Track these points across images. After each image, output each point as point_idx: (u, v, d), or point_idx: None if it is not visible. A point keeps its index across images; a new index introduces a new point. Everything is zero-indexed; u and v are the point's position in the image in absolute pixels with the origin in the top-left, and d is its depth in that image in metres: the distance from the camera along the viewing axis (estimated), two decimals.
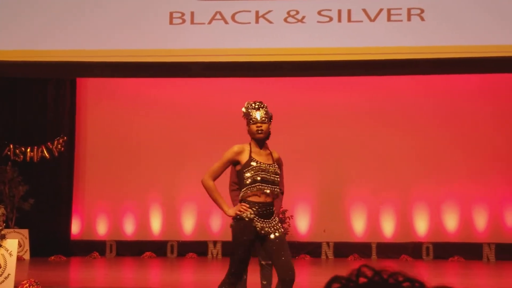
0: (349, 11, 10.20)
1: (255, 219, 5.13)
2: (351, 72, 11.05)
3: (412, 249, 12.69)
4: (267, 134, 5.37)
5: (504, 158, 12.65)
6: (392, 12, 10.13)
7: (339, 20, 10.25)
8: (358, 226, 12.98)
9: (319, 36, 10.20)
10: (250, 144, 5.35)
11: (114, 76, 12.12)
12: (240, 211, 5.14)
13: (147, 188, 13.19)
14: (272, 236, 5.18)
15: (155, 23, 10.41)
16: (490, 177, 12.53)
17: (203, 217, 13.06)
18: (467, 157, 12.50)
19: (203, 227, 13.09)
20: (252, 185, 5.17)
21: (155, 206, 13.25)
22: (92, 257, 12.78)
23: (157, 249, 13.03)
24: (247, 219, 5.13)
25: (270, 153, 5.40)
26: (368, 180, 12.81)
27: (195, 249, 12.96)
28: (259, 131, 5.30)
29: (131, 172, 13.21)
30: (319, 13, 10.26)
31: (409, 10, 10.11)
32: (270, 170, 5.24)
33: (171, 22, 10.45)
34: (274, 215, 5.28)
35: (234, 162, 5.30)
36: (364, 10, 10.19)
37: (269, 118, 5.38)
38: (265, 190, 5.16)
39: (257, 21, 10.34)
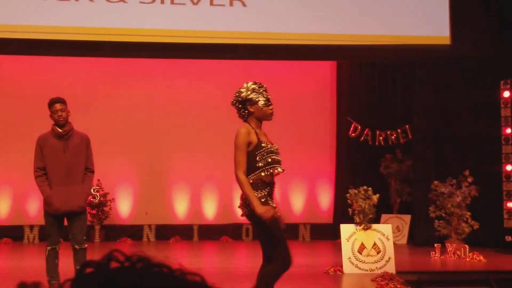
0: None
1: (270, 203, 5.07)
2: (171, 54, 10.90)
3: (232, 230, 12.76)
4: None
5: (310, 144, 12.98)
6: None
7: (162, 2, 10.05)
8: (180, 208, 12.87)
9: (141, 17, 9.95)
10: (250, 126, 5.25)
11: None
12: (269, 217, 4.97)
13: None
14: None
15: None
16: (306, 164, 12.79)
17: (19, 200, 12.37)
18: (285, 143, 12.69)
19: (19, 212, 12.40)
20: (267, 167, 5.09)
21: None
22: None
23: None
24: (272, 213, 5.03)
25: (265, 134, 5.35)
26: (191, 164, 12.71)
27: (10, 233, 12.27)
28: (272, 113, 5.31)
29: None
30: None
31: None
32: (275, 150, 5.21)
33: None
34: None
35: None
36: None
37: None
38: (278, 169, 5.12)
39: None
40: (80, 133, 6.61)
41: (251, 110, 5.34)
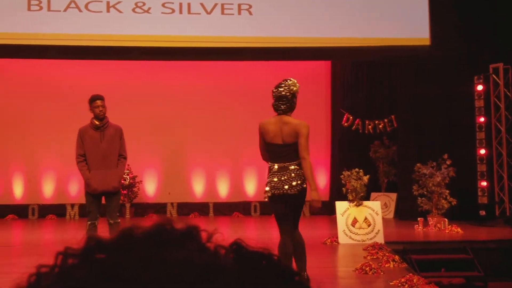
0: (189, 4, 10.01)
1: None
2: (190, 57, 10.89)
3: (242, 207, 12.77)
4: None
5: (312, 131, 12.93)
6: (225, 6, 10.06)
7: (181, 12, 10.03)
8: (198, 188, 12.88)
9: (163, 25, 9.94)
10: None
11: None
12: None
13: (10, 158, 12.36)
14: None
15: (14, 8, 9.70)
16: None
17: (62, 183, 12.41)
18: None
19: (62, 191, 12.44)
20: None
21: (18, 174, 12.45)
22: None
23: (19, 211, 12.24)
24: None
25: None
26: (207, 150, 12.71)
27: (54, 211, 12.30)
28: None
29: None
30: (163, 5, 9.99)
31: (239, 5, 10.08)
32: None
33: (29, 9, 9.77)
34: None
35: None
36: (202, 4, 10.04)
37: None
38: None
39: (108, 10, 9.90)
40: (115, 125, 6.70)
41: (295, 103, 5.36)
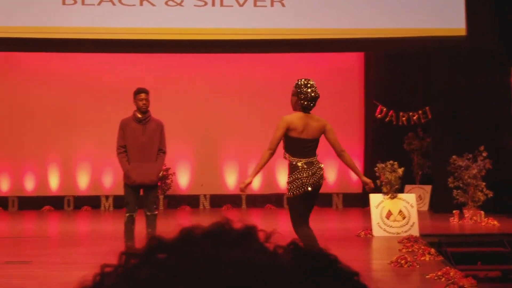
0: None
1: None
2: (223, 50, 10.91)
3: (275, 199, 12.77)
4: None
5: (342, 125, 12.87)
6: None
7: (213, 4, 10.04)
8: (231, 180, 12.92)
9: (195, 18, 9.96)
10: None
11: (13, 51, 11.45)
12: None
13: (46, 150, 12.55)
14: None
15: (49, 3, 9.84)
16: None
17: (97, 174, 12.57)
18: None
19: (96, 183, 12.60)
20: None
21: (53, 165, 12.64)
22: None
23: (55, 203, 12.43)
24: None
25: None
26: (239, 143, 12.73)
27: (89, 202, 12.47)
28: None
29: (31, 135, 12.50)
30: None
31: None
32: None
33: (63, 3, 9.90)
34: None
35: None
36: None
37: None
38: None
39: (141, 4, 9.97)
40: (156, 119, 6.79)
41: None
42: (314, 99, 5.45)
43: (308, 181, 5.29)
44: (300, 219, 5.40)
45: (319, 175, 5.36)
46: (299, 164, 5.33)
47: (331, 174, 12.95)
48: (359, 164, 13.00)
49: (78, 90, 12.51)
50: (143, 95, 6.64)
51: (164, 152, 6.78)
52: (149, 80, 12.08)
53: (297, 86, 5.48)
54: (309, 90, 5.41)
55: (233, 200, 12.69)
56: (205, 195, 12.69)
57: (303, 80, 5.50)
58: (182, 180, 12.87)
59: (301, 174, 5.32)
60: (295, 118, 5.44)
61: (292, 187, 5.33)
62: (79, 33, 10.00)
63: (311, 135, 5.41)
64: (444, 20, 10.23)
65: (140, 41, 10.17)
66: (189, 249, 0.67)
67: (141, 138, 6.60)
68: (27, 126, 12.52)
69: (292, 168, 5.37)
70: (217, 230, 0.70)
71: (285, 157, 5.48)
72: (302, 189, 5.31)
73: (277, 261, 0.68)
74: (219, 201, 12.67)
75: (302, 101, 5.42)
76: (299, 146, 5.37)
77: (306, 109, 5.47)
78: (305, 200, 5.37)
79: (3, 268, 6.44)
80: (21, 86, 12.51)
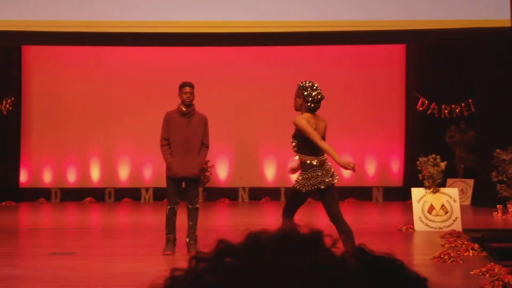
0: None
1: None
2: (268, 43, 10.94)
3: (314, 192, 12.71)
4: None
5: (383, 118, 12.72)
6: None
7: None
8: (269, 173, 12.93)
9: (231, 11, 9.99)
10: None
11: (56, 44, 11.63)
12: None
13: (88, 143, 12.74)
14: None
15: None
16: (378, 135, 12.57)
17: (137, 167, 12.72)
18: (354, 117, 12.49)
19: (136, 176, 12.76)
20: None
21: (95, 158, 12.84)
22: (39, 203, 12.31)
23: (96, 195, 12.63)
24: None
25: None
26: (278, 136, 12.69)
27: (130, 194, 12.63)
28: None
29: (73, 128, 12.71)
30: None
31: None
32: None
33: None
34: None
35: None
36: None
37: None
38: None
39: None
40: (200, 113, 6.82)
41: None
42: (321, 100, 5.63)
43: (323, 179, 5.44)
44: (294, 211, 5.70)
45: (331, 173, 5.52)
46: (314, 162, 5.50)
47: (371, 167, 12.85)
48: (399, 158, 12.89)
49: (120, 84, 12.65)
50: (188, 89, 6.67)
51: (207, 146, 6.82)
52: (188, 73, 12.17)
53: (303, 88, 5.65)
54: (315, 92, 5.60)
55: (271, 193, 12.70)
56: (244, 188, 12.73)
57: (307, 82, 5.68)
58: (221, 173, 12.93)
59: (316, 172, 5.47)
60: (309, 118, 5.61)
61: (307, 183, 5.48)
62: (120, 26, 10.09)
63: (321, 134, 5.58)
64: (488, 11, 10.01)
65: (179, 34, 10.22)
66: (256, 254, 0.66)
67: (184, 131, 6.64)
68: (70, 120, 12.73)
69: (307, 166, 5.51)
70: (284, 235, 0.69)
71: (297, 155, 5.57)
72: (316, 186, 5.45)
73: (346, 267, 0.67)
74: (257, 194, 12.69)
75: (309, 103, 5.60)
76: (313, 145, 5.50)
77: (313, 111, 5.64)
78: (309, 196, 5.72)
79: (48, 259, 6.56)
80: (64, 80, 12.71)
